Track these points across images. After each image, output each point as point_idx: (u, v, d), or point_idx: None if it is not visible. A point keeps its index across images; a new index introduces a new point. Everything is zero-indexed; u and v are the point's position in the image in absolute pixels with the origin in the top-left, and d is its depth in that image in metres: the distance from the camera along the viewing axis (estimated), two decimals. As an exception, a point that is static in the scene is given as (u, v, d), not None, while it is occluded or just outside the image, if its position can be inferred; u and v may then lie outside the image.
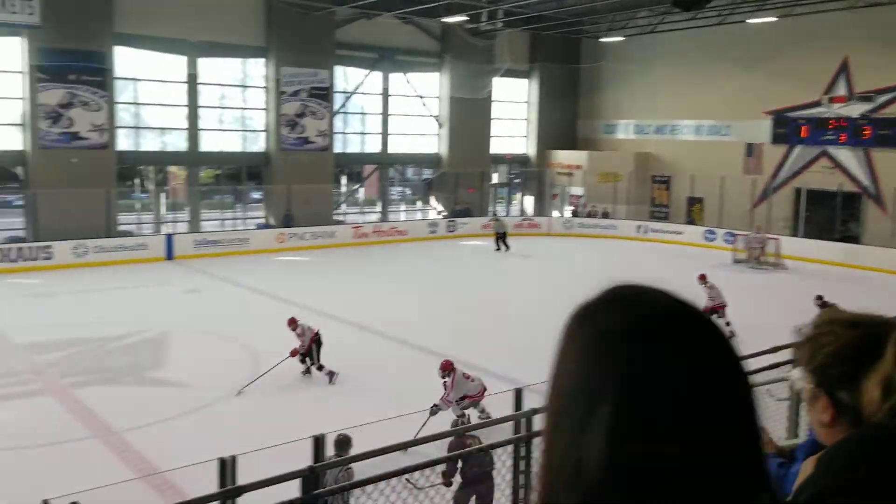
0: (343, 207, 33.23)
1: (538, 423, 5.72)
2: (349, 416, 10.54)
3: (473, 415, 10.21)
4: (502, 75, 35.12)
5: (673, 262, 25.16)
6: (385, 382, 12.95)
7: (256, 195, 32.93)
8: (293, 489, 4.60)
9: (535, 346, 13.73)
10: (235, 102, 30.00)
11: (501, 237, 28.49)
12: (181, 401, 12.24)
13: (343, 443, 7.40)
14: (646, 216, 33.77)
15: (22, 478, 9.27)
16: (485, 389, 10.43)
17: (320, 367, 13.02)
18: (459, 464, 7.41)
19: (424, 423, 9.44)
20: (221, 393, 12.61)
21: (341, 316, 17.62)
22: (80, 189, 24.87)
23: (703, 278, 16.05)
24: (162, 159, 29.56)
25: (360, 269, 24.59)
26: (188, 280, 22.44)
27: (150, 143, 28.56)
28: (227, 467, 5.73)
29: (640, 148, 35.13)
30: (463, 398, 10.25)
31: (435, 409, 9.93)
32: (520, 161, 37.42)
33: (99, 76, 25.83)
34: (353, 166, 34.38)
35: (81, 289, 20.84)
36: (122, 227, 27.40)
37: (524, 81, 37.00)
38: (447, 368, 10.36)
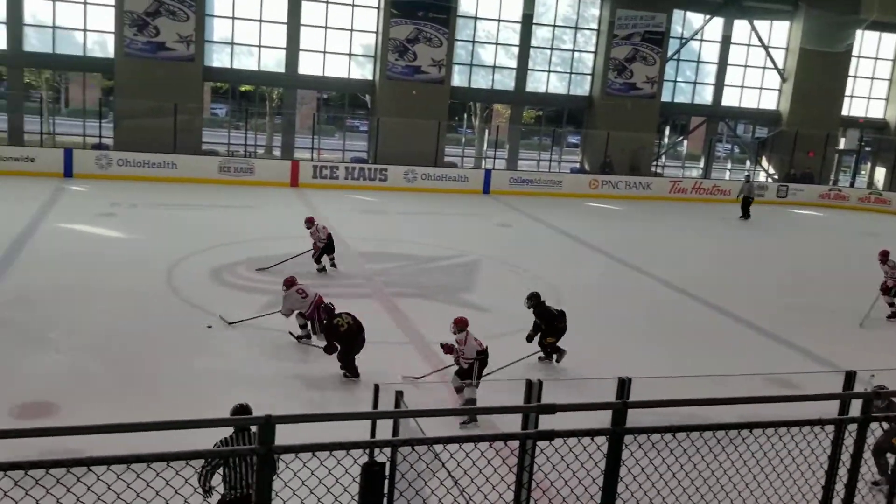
0: (662, 160, 31.97)
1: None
2: (640, 362, 10.20)
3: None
4: (867, 28, 30.82)
5: None
6: (671, 329, 12.62)
7: (574, 139, 32.98)
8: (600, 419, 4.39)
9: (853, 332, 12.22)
10: (566, 44, 29.99)
11: (748, 203, 24.89)
12: (485, 324, 12.69)
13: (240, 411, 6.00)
14: None
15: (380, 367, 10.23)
16: (320, 303, 10.74)
17: (325, 263, 14.87)
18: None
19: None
20: (524, 323, 12.87)
21: (644, 268, 17.25)
22: (415, 119, 26.79)
23: (884, 255, 14.66)
24: (490, 97, 30.69)
25: (672, 225, 23.59)
26: (501, 214, 23.25)
27: (480, 81, 29.74)
28: (532, 389, 5.72)
29: None
30: (300, 314, 11.00)
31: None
32: (875, 126, 32.85)
33: (444, 14, 27.33)
34: (678, 117, 32.81)
35: (408, 210, 22.61)
36: (447, 159, 29.14)
37: (893, 36, 32.12)
38: (287, 284, 11.14)
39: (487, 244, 18.87)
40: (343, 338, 9.67)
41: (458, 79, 28.96)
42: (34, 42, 25.54)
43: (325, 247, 14.88)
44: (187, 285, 13.56)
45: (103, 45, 25.99)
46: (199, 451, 2.68)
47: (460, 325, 9.26)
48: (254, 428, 5.32)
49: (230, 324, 11.39)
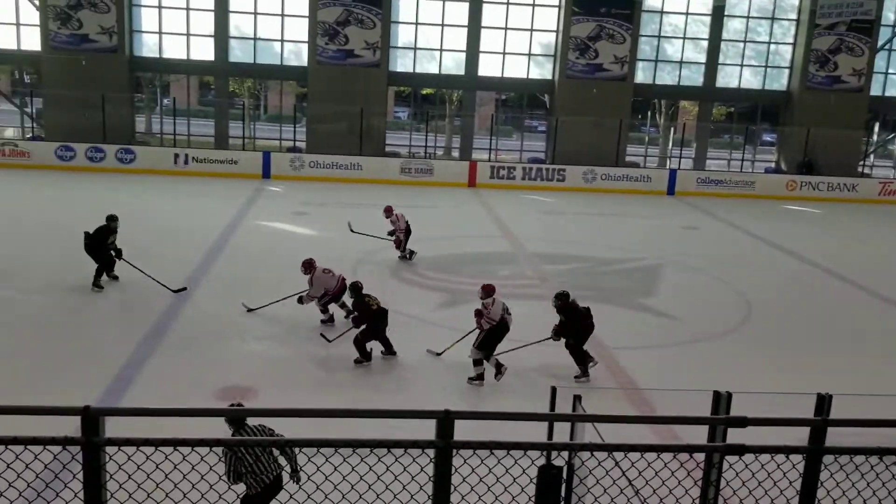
0: (871, 159, 29.27)
1: None
2: (840, 378, 9.34)
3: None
4: None
5: None
6: (878, 343, 11.37)
7: (769, 137, 31.03)
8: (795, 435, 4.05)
9: None
10: (761, 36, 28.25)
11: None
12: (668, 331, 12.22)
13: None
14: None
15: (529, 364, 10.20)
16: (344, 282, 11.25)
17: (407, 252, 15.27)
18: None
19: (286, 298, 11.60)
20: (709, 331, 12.24)
21: (849, 276, 15.90)
22: (596, 118, 26.32)
23: None
24: (676, 93, 29.53)
25: (880, 230, 21.56)
26: (687, 216, 22.28)
27: (665, 77, 28.68)
28: (721, 400, 5.37)
29: None
30: (324, 294, 11.28)
31: (300, 300, 11.37)
32: None
33: (627, 9, 26.64)
34: (890, 113, 29.89)
35: (587, 211, 22.23)
36: (629, 159, 28.37)
37: None
38: (307, 266, 11.35)
39: (671, 247, 18.14)
40: (373, 315, 10.05)
41: (641, 75, 28.13)
42: (238, 53, 27.76)
43: (405, 235, 15.24)
44: (371, 282, 14.08)
45: (298, 54, 27.75)
46: (370, 440, 2.73)
47: (488, 290, 9.80)
48: (253, 421, 5.55)
49: (250, 310, 11.79)
